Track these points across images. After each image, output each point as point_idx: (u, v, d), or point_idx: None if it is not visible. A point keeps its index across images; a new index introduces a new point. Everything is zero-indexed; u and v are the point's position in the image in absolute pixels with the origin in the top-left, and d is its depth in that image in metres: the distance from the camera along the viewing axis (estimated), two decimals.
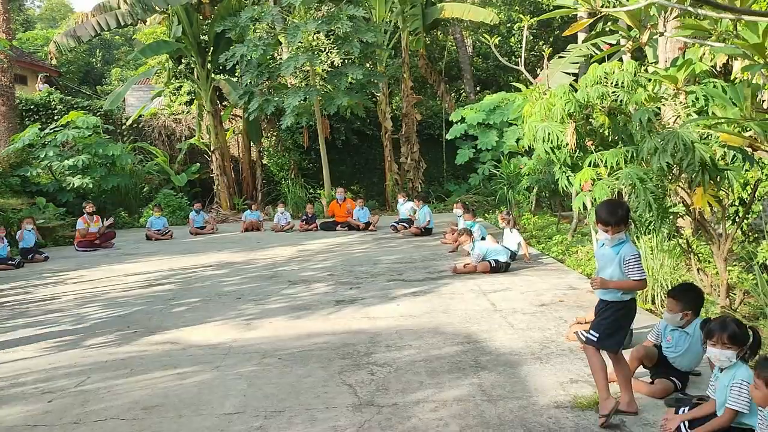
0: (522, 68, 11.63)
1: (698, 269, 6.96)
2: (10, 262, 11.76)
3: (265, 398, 4.54)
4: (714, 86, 6.84)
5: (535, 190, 14.10)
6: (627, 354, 4.47)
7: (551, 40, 25.69)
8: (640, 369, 4.61)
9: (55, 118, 20.34)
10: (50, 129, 17.70)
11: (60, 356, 5.79)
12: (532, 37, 25.48)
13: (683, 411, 3.79)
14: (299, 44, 16.82)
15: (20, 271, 11.36)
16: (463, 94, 26.18)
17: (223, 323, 6.76)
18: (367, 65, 18.99)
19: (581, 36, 16.57)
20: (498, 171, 17.40)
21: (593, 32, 15.50)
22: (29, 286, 9.72)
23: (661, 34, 8.45)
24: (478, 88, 26.75)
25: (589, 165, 7.19)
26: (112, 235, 14.52)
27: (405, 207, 14.85)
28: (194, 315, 7.20)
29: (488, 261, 8.97)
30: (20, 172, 16.42)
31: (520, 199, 15.54)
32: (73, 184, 16.68)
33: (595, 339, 4.06)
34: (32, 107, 21.55)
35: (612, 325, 4.06)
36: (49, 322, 7.16)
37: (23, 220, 12.92)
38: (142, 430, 4.09)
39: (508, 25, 26.71)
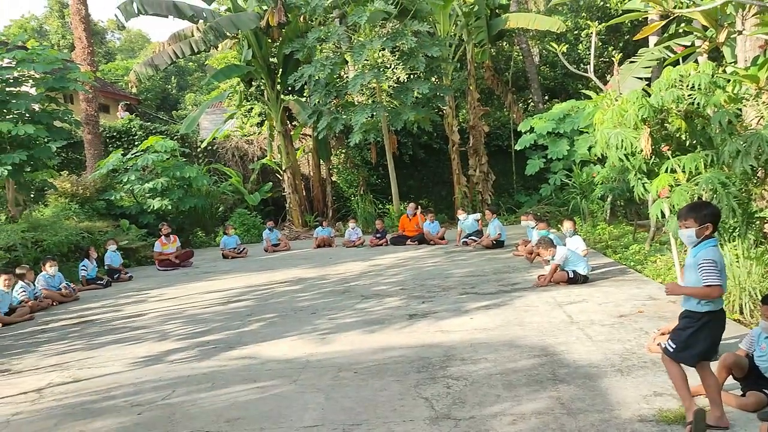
0: (591, 75, 11.41)
1: None
2: (99, 282, 12.43)
3: (343, 411, 4.60)
4: None
5: (609, 199, 13.72)
6: (714, 365, 4.28)
7: (621, 45, 25.00)
8: (730, 381, 4.40)
9: (136, 143, 21.38)
10: (132, 154, 18.59)
11: (146, 371, 6.06)
12: (600, 43, 24.90)
13: None
14: (365, 62, 17.03)
15: (108, 290, 11.96)
16: (531, 103, 25.80)
17: (299, 338, 6.89)
18: (433, 79, 19.00)
19: (652, 39, 16.07)
20: (570, 180, 17.04)
21: (666, 35, 15.03)
22: (116, 304, 10.21)
23: (740, 33, 8.12)
24: (546, 97, 26.31)
25: (666, 171, 6.96)
26: (191, 255, 15.08)
27: (468, 222, 14.61)
28: (271, 330, 7.37)
29: (566, 271, 8.77)
30: (105, 196, 17.34)
31: (594, 209, 15.16)
32: (153, 206, 17.39)
33: (671, 350, 3.94)
34: (115, 134, 22.82)
35: (691, 336, 3.91)
36: (135, 339, 7.51)
37: (107, 242, 13.61)
38: None
39: (576, 32, 26.21)
